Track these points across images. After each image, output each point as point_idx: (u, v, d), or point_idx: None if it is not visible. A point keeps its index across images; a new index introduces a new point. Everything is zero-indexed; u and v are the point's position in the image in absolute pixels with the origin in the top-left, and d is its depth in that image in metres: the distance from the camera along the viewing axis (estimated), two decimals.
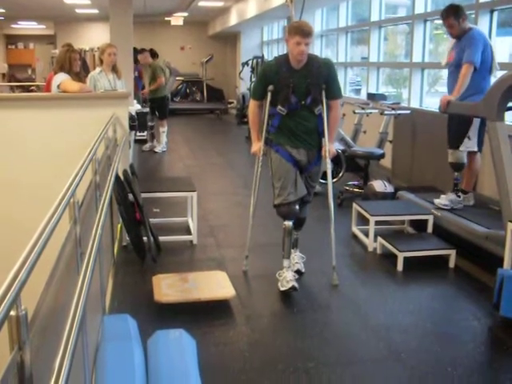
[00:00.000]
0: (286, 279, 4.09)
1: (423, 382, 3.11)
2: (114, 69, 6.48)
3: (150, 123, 10.66)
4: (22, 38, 20.96)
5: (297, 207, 4.16)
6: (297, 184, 4.14)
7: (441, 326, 3.73)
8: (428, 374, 3.18)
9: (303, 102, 4.09)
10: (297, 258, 4.50)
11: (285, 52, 4.15)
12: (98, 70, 6.45)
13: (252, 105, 4.32)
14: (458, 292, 4.29)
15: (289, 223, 4.16)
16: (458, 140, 5.09)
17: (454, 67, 5.06)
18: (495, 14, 6.01)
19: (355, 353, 3.41)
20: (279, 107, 4.12)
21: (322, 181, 4.40)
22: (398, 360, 3.31)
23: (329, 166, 4.26)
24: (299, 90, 4.06)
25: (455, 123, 5.16)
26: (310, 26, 4.04)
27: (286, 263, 4.16)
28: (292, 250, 4.37)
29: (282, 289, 4.08)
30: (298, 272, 4.35)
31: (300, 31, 3.93)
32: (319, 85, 4.08)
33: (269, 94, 4.17)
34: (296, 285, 4.06)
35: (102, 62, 6.42)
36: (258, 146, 4.32)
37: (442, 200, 5.24)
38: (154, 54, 10.65)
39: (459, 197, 5.22)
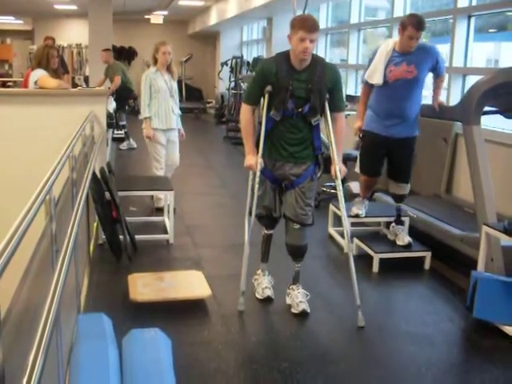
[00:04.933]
0: (262, 286, 4.07)
1: (397, 383, 3.14)
2: (169, 69, 6.04)
3: (122, 122, 10.56)
4: None
5: (278, 219, 3.97)
6: (275, 201, 3.87)
7: (415, 328, 3.75)
8: (402, 375, 3.21)
9: (300, 110, 3.62)
10: (300, 296, 3.89)
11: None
12: (153, 69, 5.99)
13: (245, 110, 3.77)
14: (433, 294, 4.33)
15: (269, 232, 4.06)
16: (410, 171, 4.92)
17: (415, 82, 4.61)
18: (473, 20, 6.08)
19: (330, 353, 3.42)
20: (273, 112, 3.65)
21: None
22: (373, 361, 3.33)
23: (340, 188, 3.83)
24: (298, 95, 3.59)
25: (409, 154, 4.84)
26: (316, 20, 3.58)
27: (263, 266, 4.14)
28: (294, 287, 3.95)
29: (258, 296, 4.06)
30: (302, 313, 3.82)
31: (304, 25, 3.46)
32: (320, 93, 3.62)
33: (266, 97, 3.67)
34: (271, 294, 4.04)
35: (156, 61, 5.97)
36: (254, 159, 3.74)
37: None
38: (133, 52, 10.61)
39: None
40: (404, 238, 4.85)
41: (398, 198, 5.00)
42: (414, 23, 4.40)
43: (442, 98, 5.06)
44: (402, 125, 4.69)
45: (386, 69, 4.60)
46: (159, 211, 6.11)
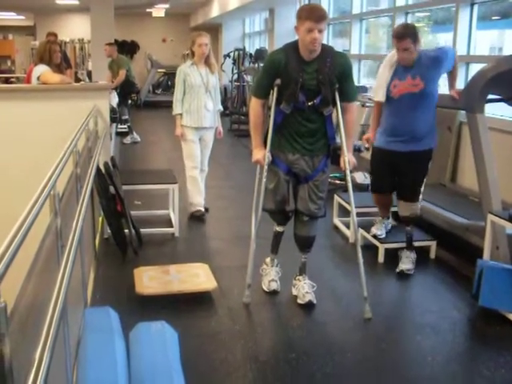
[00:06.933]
0: (269, 278, 4.05)
1: (404, 372, 3.15)
2: (207, 62, 5.65)
3: (124, 116, 10.53)
4: (1, 28, 20.67)
5: (290, 214, 3.87)
6: (289, 193, 3.77)
7: (421, 316, 3.76)
8: (409, 363, 3.23)
9: (310, 103, 3.53)
10: (307, 287, 3.87)
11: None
12: (188, 63, 5.69)
13: (254, 104, 3.69)
14: (439, 283, 4.33)
15: (280, 228, 3.98)
16: (419, 188, 4.42)
17: (422, 96, 4.21)
18: (475, 8, 6.04)
19: (336, 343, 3.44)
20: (283, 105, 3.56)
21: None
22: (379, 350, 3.34)
23: (348, 179, 3.73)
24: (309, 88, 3.50)
25: (415, 169, 4.38)
26: (324, 9, 3.49)
27: (272, 256, 4.10)
28: (300, 278, 3.93)
29: (264, 288, 4.05)
30: (309, 304, 3.82)
31: (311, 15, 3.36)
32: (331, 83, 3.52)
33: (275, 90, 3.58)
34: (277, 288, 4.02)
35: (193, 54, 5.64)
36: (261, 153, 3.68)
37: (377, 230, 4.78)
38: (135, 46, 10.58)
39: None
40: (405, 265, 4.41)
41: (406, 220, 4.50)
42: (394, 35, 4.15)
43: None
44: (409, 141, 4.30)
45: (391, 83, 4.27)
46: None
